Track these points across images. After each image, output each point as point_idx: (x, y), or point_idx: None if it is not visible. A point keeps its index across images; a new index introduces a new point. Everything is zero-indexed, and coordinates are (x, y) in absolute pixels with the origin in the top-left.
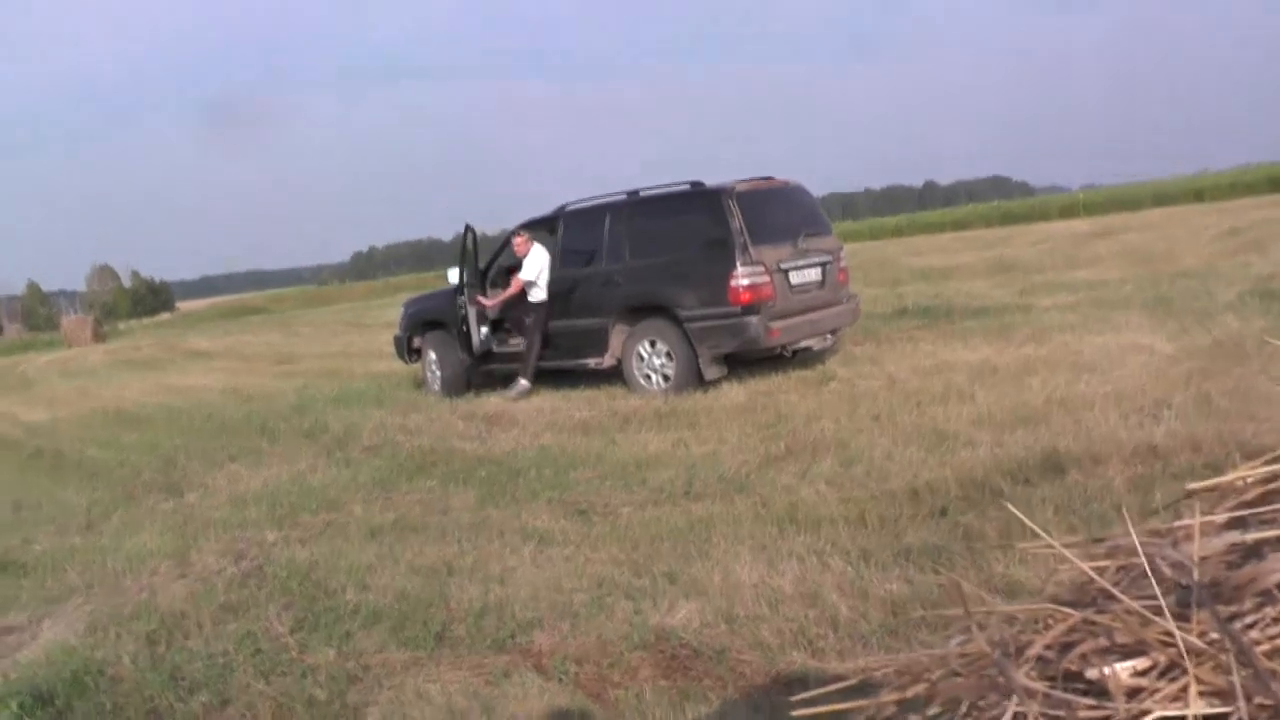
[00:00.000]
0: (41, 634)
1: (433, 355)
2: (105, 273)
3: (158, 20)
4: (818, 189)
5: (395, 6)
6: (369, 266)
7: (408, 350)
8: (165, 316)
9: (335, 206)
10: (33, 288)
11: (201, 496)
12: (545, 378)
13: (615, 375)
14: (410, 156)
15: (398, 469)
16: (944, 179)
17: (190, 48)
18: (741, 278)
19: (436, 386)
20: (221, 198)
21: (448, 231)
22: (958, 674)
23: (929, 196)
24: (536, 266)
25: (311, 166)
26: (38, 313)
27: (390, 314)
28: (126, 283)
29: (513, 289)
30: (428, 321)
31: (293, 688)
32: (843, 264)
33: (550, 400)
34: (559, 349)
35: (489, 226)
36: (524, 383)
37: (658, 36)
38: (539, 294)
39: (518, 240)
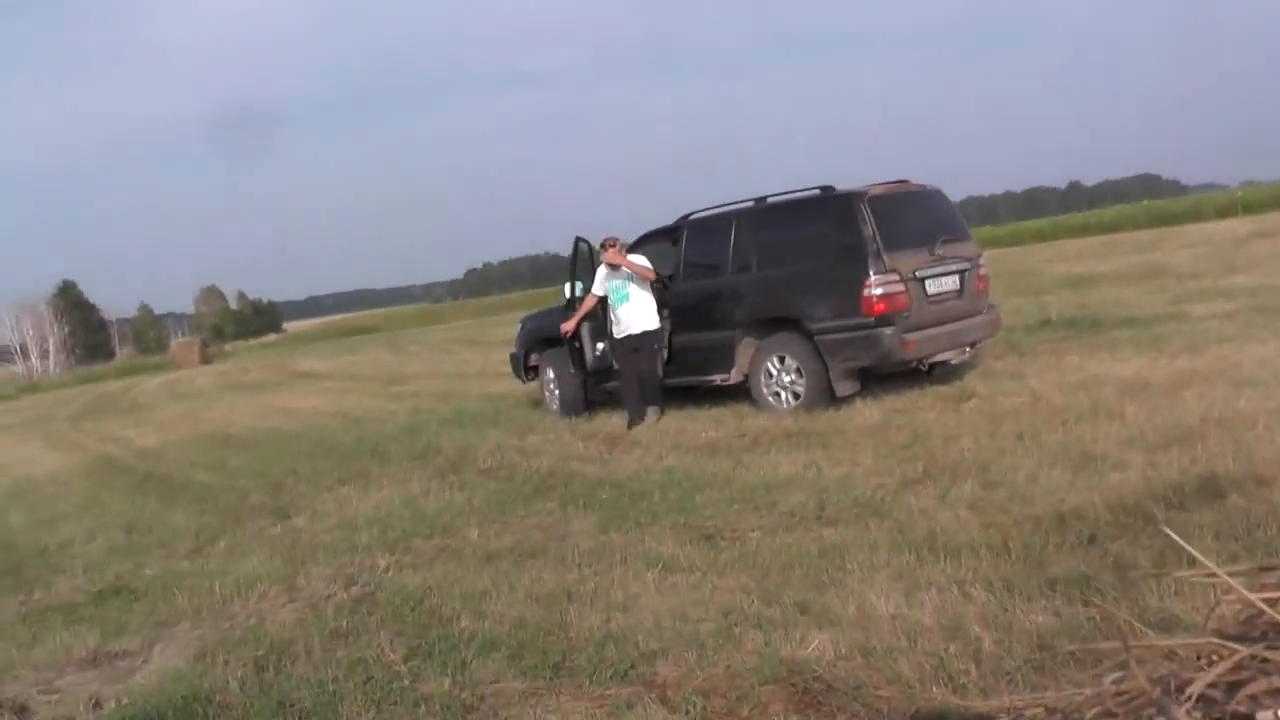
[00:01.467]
0: (153, 659)
1: (550, 374)
2: (212, 294)
3: (265, 31)
4: (954, 193)
5: (508, 10)
6: (483, 283)
7: (524, 368)
8: (272, 337)
9: (447, 222)
10: (144, 310)
11: (310, 521)
12: (669, 396)
13: (742, 392)
14: (526, 168)
15: (514, 492)
16: (1089, 179)
17: (296, 57)
18: (875, 287)
19: (555, 406)
20: (329, 215)
21: (566, 245)
22: (1113, 714)
23: (1073, 198)
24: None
25: (423, 180)
26: (148, 335)
27: (506, 331)
28: (233, 304)
29: (647, 274)
30: (545, 338)
31: (405, 718)
32: (982, 272)
33: (674, 420)
34: (683, 365)
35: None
36: (649, 415)
37: (777, 32)
38: (644, 319)
39: (610, 250)
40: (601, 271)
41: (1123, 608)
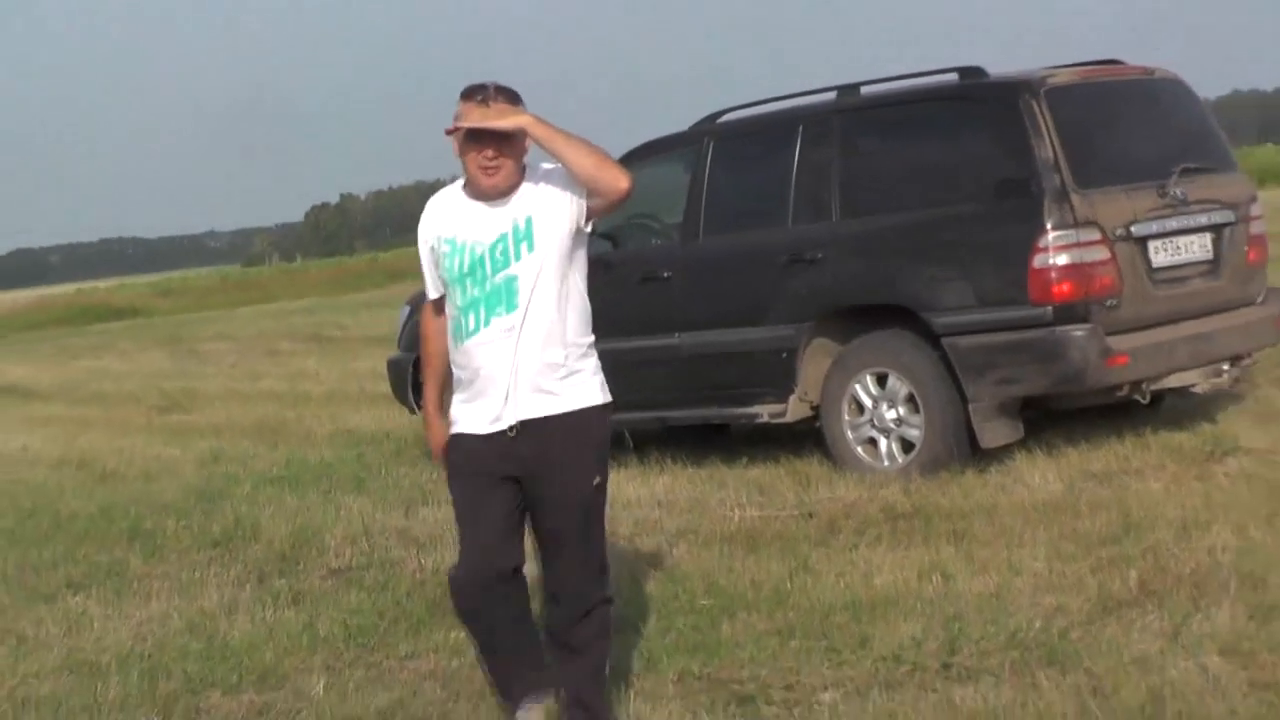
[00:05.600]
0: None
1: None
2: None
3: None
4: (1208, 88)
5: None
6: (340, 230)
7: (415, 387)
8: None
9: (275, 123)
10: None
11: (12, 656)
12: (677, 439)
13: (809, 438)
14: (416, 30)
15: (395, 611)
16: None
17: None
18: (1055, 251)
19: None
20: (56, 122)
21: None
22: None
23: None
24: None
25: (245, 67)
26: None
27: (378, 317)
28: None
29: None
30: None
31: None
32: (1256, 228)
33: (683, 482)
34: (699, 387)
35: None
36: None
37: None
38: (567, 373)
39: (476, 106)
40: (436, 204)
41: None
